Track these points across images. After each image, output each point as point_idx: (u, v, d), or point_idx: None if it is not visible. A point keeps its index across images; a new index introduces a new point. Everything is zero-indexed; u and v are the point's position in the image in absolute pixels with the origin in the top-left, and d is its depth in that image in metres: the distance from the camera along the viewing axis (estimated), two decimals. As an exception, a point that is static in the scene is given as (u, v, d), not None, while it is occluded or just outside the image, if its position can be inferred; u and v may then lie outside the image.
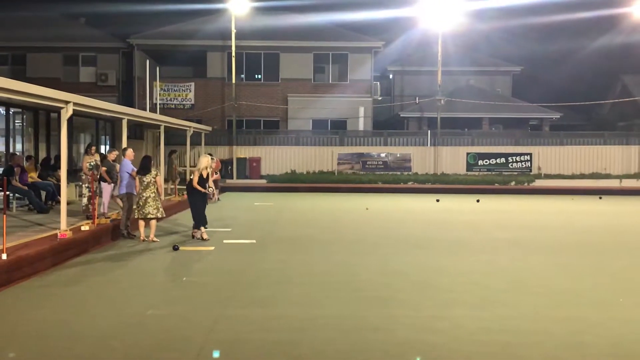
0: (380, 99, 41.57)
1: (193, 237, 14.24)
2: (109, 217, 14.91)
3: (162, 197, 14.51)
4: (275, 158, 35.50)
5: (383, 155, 35.70)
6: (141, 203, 13.69)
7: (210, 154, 27.14)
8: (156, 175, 13.85)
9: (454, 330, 7.27)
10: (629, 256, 12.61)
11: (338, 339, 6.92)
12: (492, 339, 6.92)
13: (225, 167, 33.45)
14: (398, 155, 35.68)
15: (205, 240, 13.93)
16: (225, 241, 13.83)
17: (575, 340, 6.89)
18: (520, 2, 43.86)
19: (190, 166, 27.01)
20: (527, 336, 7.04)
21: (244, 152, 35.21)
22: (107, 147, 27.02)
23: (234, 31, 35.14)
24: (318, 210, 22.14)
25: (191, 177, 14.49)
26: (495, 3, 44.09)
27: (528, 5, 45.00)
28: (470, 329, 7.29)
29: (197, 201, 14.17)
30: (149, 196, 13.69)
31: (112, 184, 15.27)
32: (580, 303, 8.59)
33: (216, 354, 6.52)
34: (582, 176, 34.54)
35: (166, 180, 24.41)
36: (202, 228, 14.16)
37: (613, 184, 33.58)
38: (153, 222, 13.89)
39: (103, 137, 28.03)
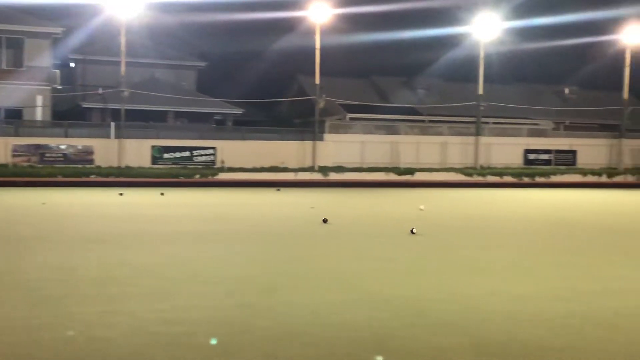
0: (61, 88, 39.53)
1: None
2: None
3: None
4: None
5: (63, 147, 33.95)
6: None
7: None
8: None
9: (127, 323, 7.11)
10: (299, 244, 13.54)
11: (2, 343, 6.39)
12: (168, 330, 6.90)
13: None
14: (80, 148, 34.21)
15: None
16: None
17: (250, 326, 7.16)
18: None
19: None
20: (204, 325, 7.13)
21: None
22: None
23: None
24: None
25: None
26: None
27: (214, 3, 46.04)
28: (146, 321, 7.20)
29: None
30: None
31: None
32: (252, 290, 8.94)
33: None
34: (263, 169, 36.32)
35: None
36: None
37: (290, 177, 35.88)
38: None
39: None
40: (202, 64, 47.90)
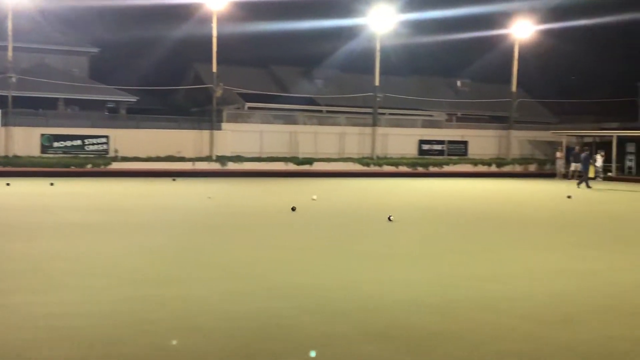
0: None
1: None
2: None
3: None
4: None
5: (-56, 135, 32.13)
6: None
7: None
8: None
9: (12, 319, 6.82)
10: (196, 234, 13.36)
11: None
12: (53, 325, 6.66)
13: None
14: (-37, 136, 32.47)
15: None
16: None
17: (139, 318, 7.00)
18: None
19: None
20: (91, 319, 6.92)
21: None
22: None
23: None
24: None
25: None
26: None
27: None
28: (31, 316, 6.92)
29: None
30: None
31: None
32: (145, 282, 8.74)
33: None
34: (158, 159, 35.52)
35: None
36: None
37: (186, 166, 35.30)
38: None
39: None
40: (95, 50, 46.36)
